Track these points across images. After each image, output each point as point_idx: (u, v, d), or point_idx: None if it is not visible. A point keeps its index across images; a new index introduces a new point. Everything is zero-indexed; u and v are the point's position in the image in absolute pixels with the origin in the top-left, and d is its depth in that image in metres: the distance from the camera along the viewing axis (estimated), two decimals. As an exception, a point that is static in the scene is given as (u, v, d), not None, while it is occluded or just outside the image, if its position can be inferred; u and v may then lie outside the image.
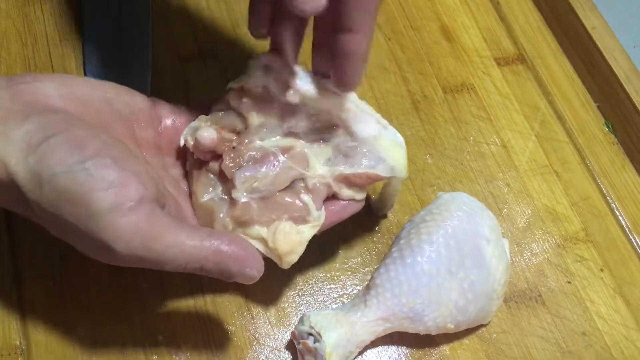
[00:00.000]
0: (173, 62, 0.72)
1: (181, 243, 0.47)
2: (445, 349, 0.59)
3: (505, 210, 0.66)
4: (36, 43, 0.70)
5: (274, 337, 0.58)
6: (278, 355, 0.57)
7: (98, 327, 0.57)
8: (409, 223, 0.60)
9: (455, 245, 0.57)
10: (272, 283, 0.60)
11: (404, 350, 0.58)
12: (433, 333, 0.57)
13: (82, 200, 0.44)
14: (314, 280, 0.61)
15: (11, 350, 0.55)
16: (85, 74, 0.69)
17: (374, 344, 0.57)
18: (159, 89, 0.69)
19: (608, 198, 0.68)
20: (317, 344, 0.54)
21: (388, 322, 0.56)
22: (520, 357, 0.59)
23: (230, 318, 0.59)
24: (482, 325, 0.60)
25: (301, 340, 0.55)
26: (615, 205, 0.68)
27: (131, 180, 0.46)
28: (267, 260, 0.57)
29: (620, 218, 0.67)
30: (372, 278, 0.57)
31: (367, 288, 0.57)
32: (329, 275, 0.62)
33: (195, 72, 0.71)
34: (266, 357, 0.57)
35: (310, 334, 0.55)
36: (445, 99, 0.73)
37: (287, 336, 0.58)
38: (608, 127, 0.73)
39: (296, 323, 0.57)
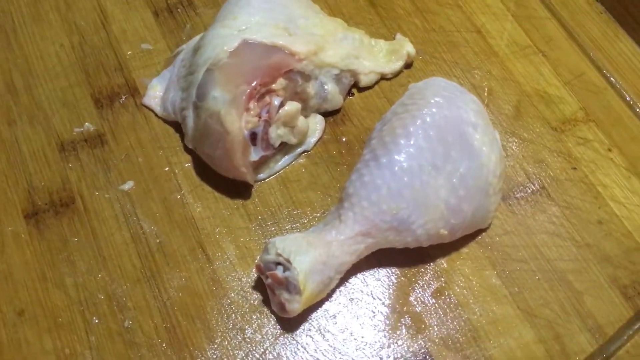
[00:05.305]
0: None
1: None
2: (442, 262, 0.50)
3: (490, 100, 0.57)
4: None
5: (237, 277, 0.49)
6: (245, 297, 0.48)
7: (22, 297, 0.47)
8: (379, 122, 0.51)
9: (437, 136, 0.47)
10: (226, 215, 0.51)
11: (394, 270, 0.49)
12: (425, 244, 0.48)
13: None
14: (276, 207, 0.52)
15: None
16: None
17: (357, 268, 0.48)
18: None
19: (604, 71, 0.59)
20: (287, 273, 0.45)
21: (369, 236, 0.46)
22: (531, 259, 0.50)
23: (182, 263, 0.49)
24: (481, 230, 0.51)
25: (268, 273, 0.45)
26: (614, 78, 0.59)
27: None
28: (214, 197, 0.49)
29: (622, 91, 0.58)
30: (344, 189, 0.48)
31: (340, 201, 0.48)
32: (294, 198, 0.52)
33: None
34: (231, 301, 0.48)
35: (279, 263, 0.45)
36: (405, -9, 0.63)
37: (253, 273, 0.49)
38: (592, -5, 0.63)
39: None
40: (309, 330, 0.47)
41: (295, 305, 0.45)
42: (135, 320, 0.47)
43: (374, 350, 0.46)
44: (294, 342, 0.46)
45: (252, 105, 0.49)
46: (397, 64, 0.58)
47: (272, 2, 0.54)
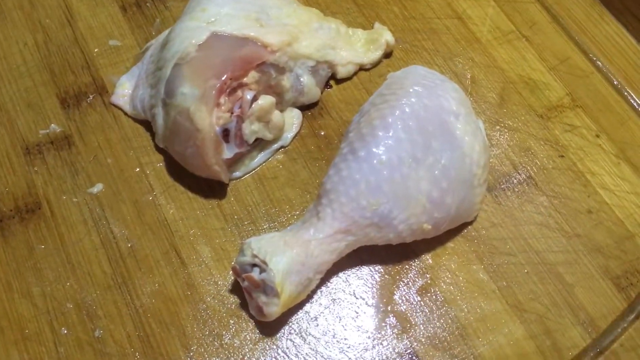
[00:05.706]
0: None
1: None
2: (427, 258, 0.48)
3: (473, 88, 0.55)
4: None
5: (213, 281, 0.46)
6: (222, 301, 0.46)
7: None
8: (357, 114, 0.48)
9: (417, 126, 0.45)
10: (200, 216, 0.49)
11: (377, 268, 0.47)
12: (408, 240, 0.46)
13: None
14: (253, 206, 0.49)
15: None
16: None
17: (339, 267, 0.46)
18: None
19: (590, 55, 0.57)
20: (263, 275, 0.42)
21: (349, 234, 0.44)
22: (519, 252, 0.48)
23: (155, 268, 0.47)
24: (466, 224, 0.49)
25: (244, 275, 0.43)
26: (601, 62, 0.57)
27: None
28: (187, 198, 0.47)
29: (609, 74, 0.56)
30: (322, 185, 0.46)
31: (318, 198, 0.46)
32: (271, 196, 0.50)
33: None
34: (207, 306, 0.45)
35: (255, 265, 0.43)
36: (383, -21, 0.61)
37: (230, 276, 0.47)
38: (576, -23, 0.61)
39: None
40: (290, 333, 0.45)
41: (273, 308, 0.43)
42: (107, 329, 0.44)
43: (358, 352, 0.44)
44: (274, 346, 0.44)
45: (223, 100, 0.46)
46: (376, 54, 0.56)
47: (243, -8, 0.51)
